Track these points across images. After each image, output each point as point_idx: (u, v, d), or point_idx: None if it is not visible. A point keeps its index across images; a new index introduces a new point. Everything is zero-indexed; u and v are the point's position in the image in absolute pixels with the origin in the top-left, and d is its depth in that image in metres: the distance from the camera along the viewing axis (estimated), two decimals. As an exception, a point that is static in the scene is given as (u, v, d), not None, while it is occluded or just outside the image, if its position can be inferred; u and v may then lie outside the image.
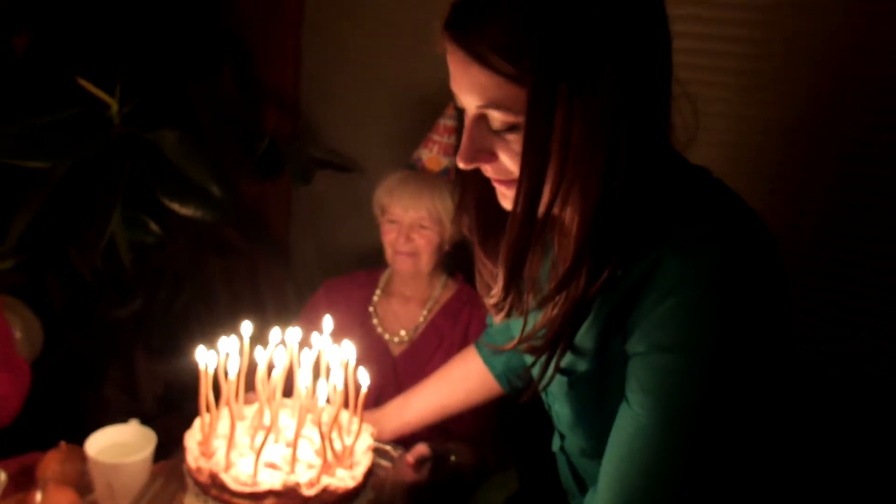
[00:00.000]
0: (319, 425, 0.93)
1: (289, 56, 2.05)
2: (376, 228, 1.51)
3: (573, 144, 0.63)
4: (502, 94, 0.63)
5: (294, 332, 1.00)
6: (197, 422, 0.97)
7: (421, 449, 1.15)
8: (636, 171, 0.65)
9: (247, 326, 0.98)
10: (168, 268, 1.88)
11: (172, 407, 2.06)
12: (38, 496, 0.92)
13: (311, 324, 1.07)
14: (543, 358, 0.75)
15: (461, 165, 0.70)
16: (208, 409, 0.95)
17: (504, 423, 1.46)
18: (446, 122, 1.47)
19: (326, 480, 0.92)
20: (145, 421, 1.19)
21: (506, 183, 0.71)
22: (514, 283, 0.74)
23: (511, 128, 0.66)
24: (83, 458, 1.03)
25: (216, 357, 0.93)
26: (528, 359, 0.77)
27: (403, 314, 1.52)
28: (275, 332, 0.99)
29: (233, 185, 1.50)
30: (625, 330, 0.71)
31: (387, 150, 1.88)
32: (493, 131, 0.67)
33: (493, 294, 0.77)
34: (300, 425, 0.95)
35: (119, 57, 1.39)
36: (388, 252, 1.46)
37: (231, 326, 1.73)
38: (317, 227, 2.14)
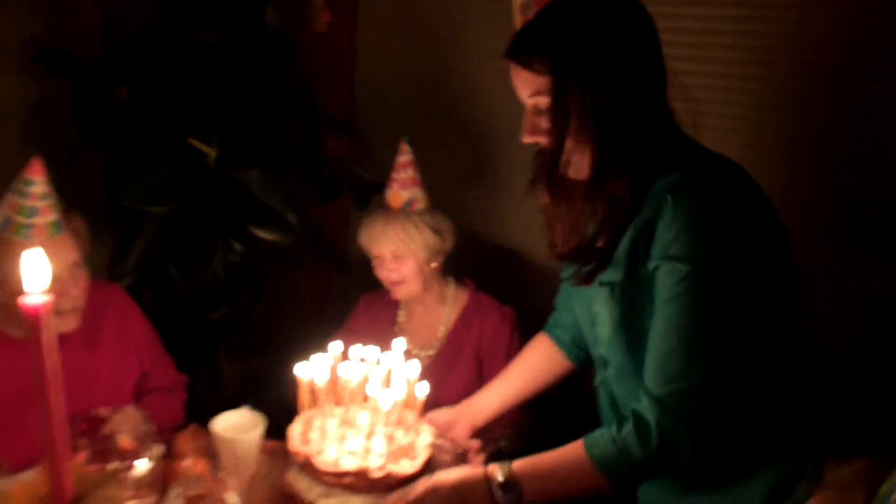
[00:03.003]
0: (388, 425, 1.19)
1: (344, 90, 2.31)
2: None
3: (581, 119, 0.97)
4: (540, 85, 0.98)
5: (371, 350, 1.26)
6: (299, 417, 1.24)
7: (474, 444, 1.36)
8: (628, 138, 0.97)
9: (336, 345, 1.25)
10: (248, 280, 2.16)
11: (249, 400, 2.36)
12: (188, 461, 1.21)
13: (352, 334, 1.31)
14: (593, 267, 1.06)
15: (525, 139, 1.04)
16: (305, 410, 1.22)
17: (542, 413, 1.62)
18: (402, 158, 1.67)
19: (391, 467, 1.18)
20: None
21: None
22: (558, 212, 1.09)
23: (549, 108, 0.99)
24: (207, 435, 1.32)
25: (312, 369, 1.20)
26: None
27: (424, 331, 1.71)
28: (356, 349, 1.26)
29: (303, 212, 1.78)
30: (648, 255, 0.99)
31: (428, 171, 2.11)
32: (541, 113, 1.00)
33: (556, 243, 1.11)
34: (373, 424, 1.21)
35: (214, 111, 1.66)
36: (385, 284, 1.66)
37: (299, 329, 2.02)
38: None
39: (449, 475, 1.10)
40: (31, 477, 1.12)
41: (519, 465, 1.07)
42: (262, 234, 1.69)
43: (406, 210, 1.64)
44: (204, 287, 1.84)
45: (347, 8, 2.26)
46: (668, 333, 0.97)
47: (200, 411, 1.50)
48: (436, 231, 1.64)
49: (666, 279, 0.97)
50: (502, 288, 1.78)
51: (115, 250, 1.71)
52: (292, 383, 1.75)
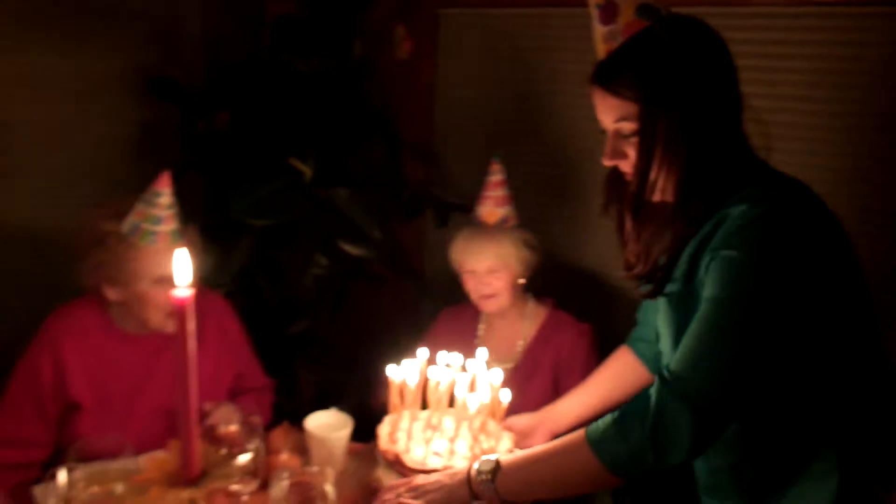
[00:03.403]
0: (471, 429, 1.26)
1: (424, 116, 2.42)
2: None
3: (668, 143, 1.01)
4: (625, 111, 1.02)
5: (455, 357, 1.34)
6: (387, 418, 1.33)
7: None
8: (710, 162, 1.01)
9: (423, 351, 1.33)
10: (330, 294, 2.28)
11: (324, 408, 2.46)
12: (285, 455, 1.30)
13: (433, 345, 1.38)
14: (659, 281, 1.09)
15: (606, 163, 1.09)
16: (395, 410, 1.30)
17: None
18: (493, 177, 1.73)
19: (475, 468, 1.24)
20: (302, 418, 1.54)
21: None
22: (639, 234, 1.12)
23: (634, 133, 1.03)
24: (297, 433, 1.42)
25: (403, 372, 1.28)
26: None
27: (503, 345, 1.76)
28: (441, 356, 1.33)
29: (388, 228, 1.88)
30: (699, 265, 1.02)
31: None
32: (624, 137, 1.04)
33: (631, 262, 1.14)
34: (458, 427, 1.28)
35: (308, 134, 1.80)
36: (473, 297, 1.72)
37: (374, 343, 2.11)
38: (445, 257, 2.49)
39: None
40: (159, 455, 1.23)
41: (508, 455, 1.09)
42: (350, 248, 1.80)
43: (501, 227, 1.70)
44: (295, 299, 1.96)
45: (428, 37, 2.37)
46: (700, 318, 0.98)
47: (278, 417, 1.61)
48: (529, 247, 1.71)
49: (714, 270, 0.98)
50: (579, 307, 1.82)
51: (215, 262, 1.85)
52: (374, 389, 1.86)
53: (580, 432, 1.05)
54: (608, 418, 1.03)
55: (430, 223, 2.47)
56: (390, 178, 2.08)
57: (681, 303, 1.07)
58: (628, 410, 1.01)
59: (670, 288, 1.09)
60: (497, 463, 1.07)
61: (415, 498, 1.10)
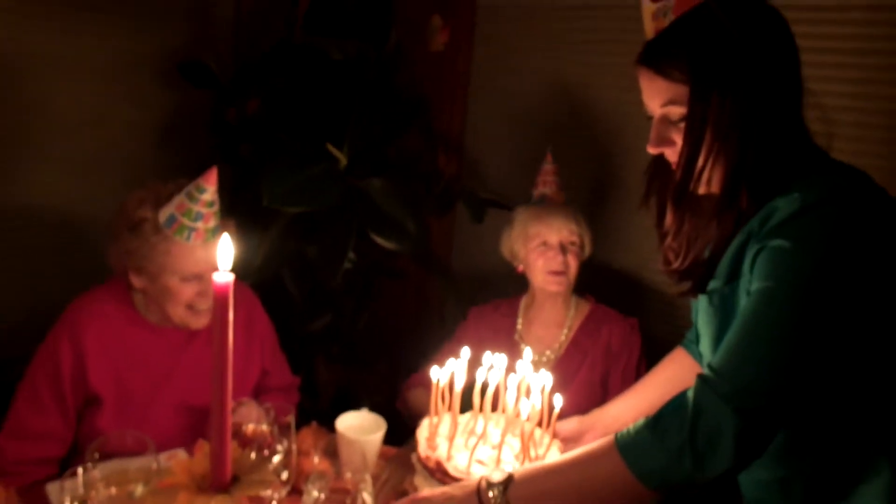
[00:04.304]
0: (522, 436, 1.17)
1: (457, 108, 2.34)
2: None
3: (719, 129, 0.91)
4: (675, 94, 0.94)
5: (502, 358, 1.24)
6: (425, 422, 1.24)
7: None
8: (765, 150, 0.91)
9: (466, 352, 1.24)
10: (354, 289, 2.20)
11: (344, 408, 2.39)
12: (316, 459, 1.22)
13: (463, 345, 1.29)
14: (701, 277, 1.01)
15: (651, 150, 0.99)
16: (436, 414, 1.21)
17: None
18: (548, 166, 1.70)
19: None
20: (321, 419, 1.49)
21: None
22: (680, 227, 1.03)
23: (682, 118, 0.94)
24: (327, 434, 1.35)
25: (444, 373, 1.19)
26: None
27: (546, 336, 1.69)
28: (486, 356, 1.24)
29: (423, 221, 1.79)
30: (744, 261, 0.93)
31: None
32: (671, 123, 0.95)
33: (670, 258, 1.06)
34: (504, 434, 1.19)
35: (342, 122, 1.71)
36: (539, 277, 1.64)
37: (397, 343, 2.00)
38: (473, 253, 2.41)
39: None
40: (184, 456, 1.15)
41: (522, 467, 0.99)
42: (383, 241, 1.72)
43: (569, 205, 1.68)
44: (319, 293, 1.88)
45: (465, 29, 2.30)
46: (745, 313, 0.89)
47: (298, 417, 1.53)
48: (591, 232, 1.68)
49: (764, 261, 0.89)
50: (618, 304, 1.74)
51: (239, 252, 1.77)
52: (397, 391, 1.78)
53: (608, 438, 0.94)
54: (641, 422, 0.92)
55: (459, 219, 2.40)
56: (425, 171, 2.00)
57: (723, 302, 0.99)
58: (664, 412, 0.91)
59: (712, 285, 1.00)
60: (510, 474, 0.96)
61: None
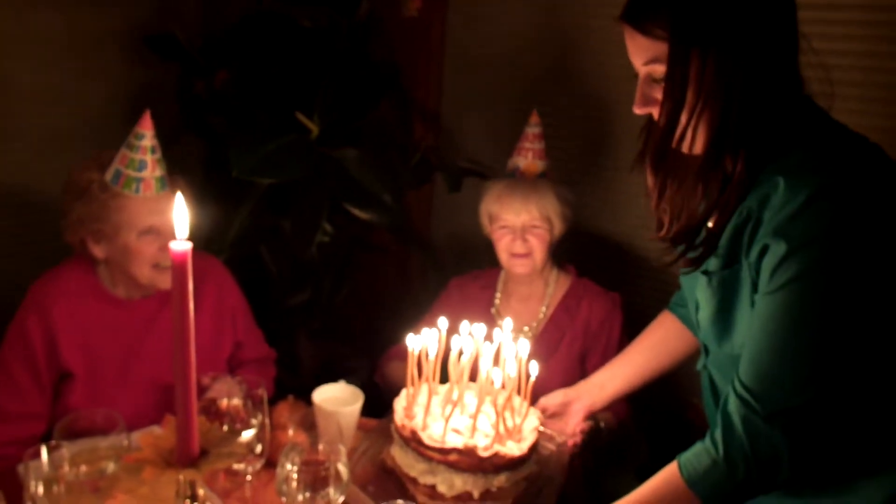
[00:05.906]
0: (495, 405, 1.16)
1: (433, 75, 2.30)
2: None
3: (700, 89, 0.88)
4: (657, 52, 0.90)
5: (480, 327, 1.23)
6: (403, 391, 1.22)
7: (584, 426, 1.33)
8: (752, 111, 0.88)
9: (443, 321, 1.22)
10: (332, 263, 2.18)
11: (326, 382, 2.38)
12: (291, 431, 1.21)
13: (440, 318, 1.27)
14: (700, 252, 0.98)
15: (637, 110, 0.97)
16: (413, 383, 1.20)
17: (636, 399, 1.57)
18: (532, 129, 1.60)
19: (498, 448, 1.14)
20: (304, 394, 1.46)
21: None
22: (663, 190, 1.00)
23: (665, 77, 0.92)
24: (304, 407, 1.33)
25: (422, 342, 1.17)
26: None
27: (524, 311, 1.65)
28: (464, 326, 1.22)
29: (400, 193, 1.76)
30: (750, 246, 0.90)
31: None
32: (655, 82, 0.93)
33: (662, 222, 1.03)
34: (480, 403, 1.18)
35: (312, 92, 1.67)
36: (504, 257, 1.59)
37: (378, 316, 1.98)
38: (452, 224, 2.38)
39: None
40: (154, 431, 1.13)
41: None
42: (359, 213, 1.69)
43: (542, 180, 1.59)
44: (297, 267, 1.85)
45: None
46: (766, 325, 0.88)
47: (279, 392, 1.52)
48: (569, 205, 1.59)
49: (773, 265, 0.87)
50: (600, 277, 1.71)
51: (214, 226, 1.74)
52: (377, 364, 1.77)
53: (671, 471, 0.95)
54: (703, 453, 0.93)
55: (437, 189, 2.37)
56: (401, 141, 1.96)
57: (721, 285, 0.97)
58: (728, 446, 0.91)
59: (710, 266, 0.98)
60: None
61: None
